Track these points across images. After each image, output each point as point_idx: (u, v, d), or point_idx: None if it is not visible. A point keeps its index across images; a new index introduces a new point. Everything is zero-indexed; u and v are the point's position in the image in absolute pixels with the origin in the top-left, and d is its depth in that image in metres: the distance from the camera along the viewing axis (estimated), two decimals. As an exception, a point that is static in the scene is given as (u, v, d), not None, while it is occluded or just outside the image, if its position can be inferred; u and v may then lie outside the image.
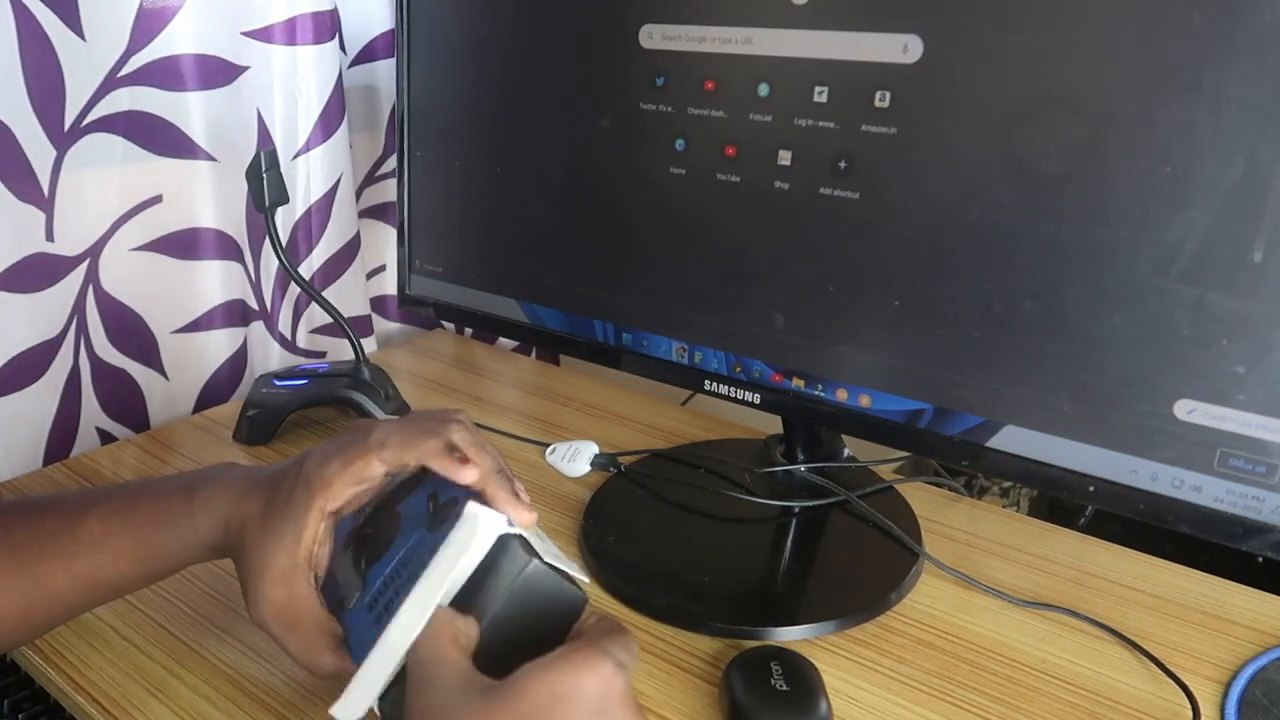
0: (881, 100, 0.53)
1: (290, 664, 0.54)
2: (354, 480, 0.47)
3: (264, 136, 0.84)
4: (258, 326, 0.90)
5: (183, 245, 0.83)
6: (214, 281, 0.86)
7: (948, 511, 0.71)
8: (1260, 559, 0.50)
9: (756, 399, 0.63)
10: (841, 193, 0.55)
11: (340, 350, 0.95)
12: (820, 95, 0.54)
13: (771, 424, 0.70)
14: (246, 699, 0.52)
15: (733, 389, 0.63)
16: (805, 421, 0.68)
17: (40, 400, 0.75)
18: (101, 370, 0.80)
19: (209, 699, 0.52)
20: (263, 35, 0.81)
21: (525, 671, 0.37)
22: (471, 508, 0.42)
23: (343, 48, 0.88)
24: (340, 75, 0.86)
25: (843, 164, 0.55)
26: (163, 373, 0.85)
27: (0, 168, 0.69)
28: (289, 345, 0.92)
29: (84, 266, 0.77)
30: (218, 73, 0.80)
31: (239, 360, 0.89)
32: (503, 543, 0.42)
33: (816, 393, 0.60)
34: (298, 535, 0.46)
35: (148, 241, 0.81)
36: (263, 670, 0.54)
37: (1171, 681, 0.54)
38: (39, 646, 0.56)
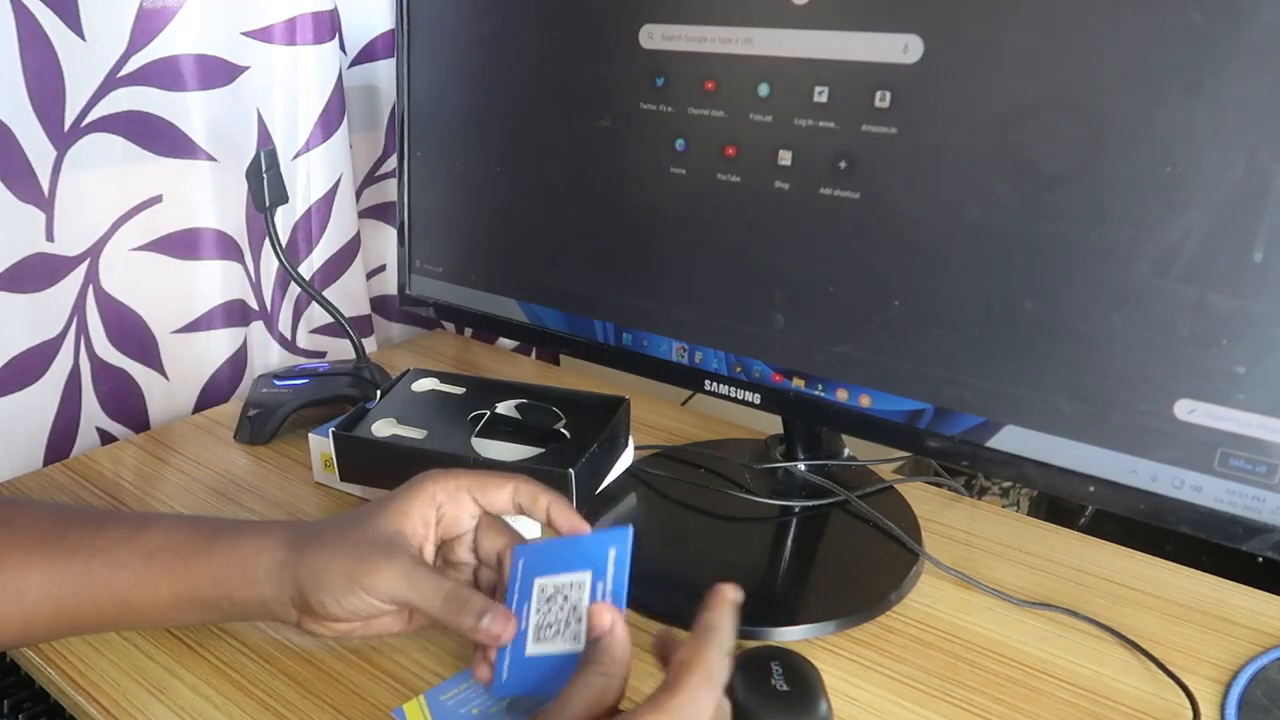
0: (881, 100, 0.53)
1: (290, 663, 0.54)
2: (460, 491, 0.50)
3: (264, 136, 0.84)
4: (258, 326, 0.90)
5: (183, 245, 0.83)
6: (214, 281, 0.86)
7: (948, 511, 0.71)
8: (1260, 559, 0.50)
9: (756, 399, 0.63)
10: (841, 193, 0.55)
11: (340, 350, 0.95)
12: (820, 95, 0.54)
13: (772, 424, 0.70)
14: (247, 699, 0.52)
15: (733, 389, 0.63)
16: (805, 421, 0.68)
17: (40, 400, 0.75)
18: (101, 370, 0.80)
19: (209, 699, 0.52)
20: (263, 35, 0.81)
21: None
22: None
23: (343, 48, 0.88)
24: (340, 75, 0.86)
25: (843, 164, 0.55)
26: (163, 373, 0.85)
27: (0, 168, 0.69)
28: (289, 345, 0.92)
29: (84, 266, 0.77)
30: (218, 73, 0.80)
31: (239, 360, 0.89)
32: None
33: (816, 393, 0.60)
34: (405, 512, 0.49)
35: (148, 241, 0.81)
36: (263, 670, 0.54)
37: (1171, 681, 0.54)
38: (39, 646, 0.56)
